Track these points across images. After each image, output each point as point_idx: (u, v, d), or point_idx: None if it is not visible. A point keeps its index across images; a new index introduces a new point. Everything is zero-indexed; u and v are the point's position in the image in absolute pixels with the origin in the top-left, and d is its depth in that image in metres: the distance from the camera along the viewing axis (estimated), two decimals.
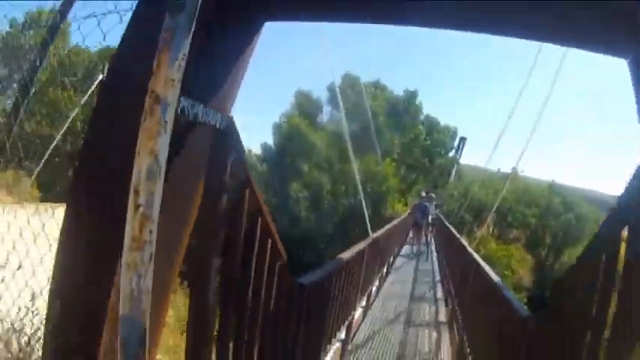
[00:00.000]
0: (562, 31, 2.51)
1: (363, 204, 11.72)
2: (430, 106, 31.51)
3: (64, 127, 10.26)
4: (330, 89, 27.38)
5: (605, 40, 2.48)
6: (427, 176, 28.24)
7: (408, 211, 19.01)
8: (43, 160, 9.38)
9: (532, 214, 27.98)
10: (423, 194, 18.10)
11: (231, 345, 2.31)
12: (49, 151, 9.37)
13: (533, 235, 28.39)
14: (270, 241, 2.49)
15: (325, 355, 5.12)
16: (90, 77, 22.73)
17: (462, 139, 33.06)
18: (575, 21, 2.37)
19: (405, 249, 16.81)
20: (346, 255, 5.52)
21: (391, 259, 12.88)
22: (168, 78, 1.00)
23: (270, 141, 28.49)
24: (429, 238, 16.95)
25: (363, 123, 21.48)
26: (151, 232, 0.99)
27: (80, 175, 1.87)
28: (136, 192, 0.99)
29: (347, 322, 5.97)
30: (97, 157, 1.72)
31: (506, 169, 27.59)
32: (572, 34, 2.55)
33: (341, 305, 5.33)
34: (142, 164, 0.99)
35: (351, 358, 5.99)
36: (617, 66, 2.42)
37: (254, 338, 2.55)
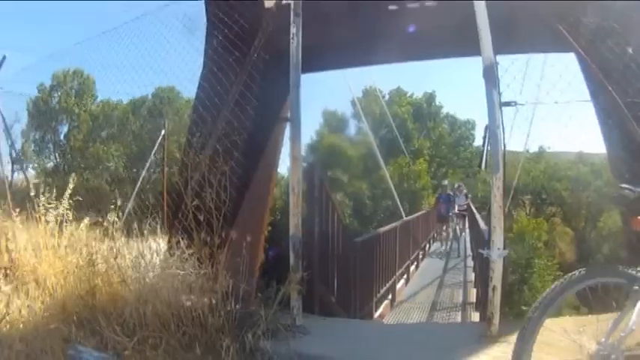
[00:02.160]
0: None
1: (398, 202, 13.82)
2: (449, 104, 32.92)
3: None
4: (354, 104, 29.68)
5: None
6: (456, 169, 29.81)
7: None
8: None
9: (563, 187, 28.81)
10: (445, 182, 17.91)
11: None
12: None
13: (568, 208, 29.10)
14: (336, 214, 4.91)
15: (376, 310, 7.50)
16: (124, 127, 25.11)
17: (488, 127, 34.42)
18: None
19: (435, 246, 17.08)
20: (384, 228, 8.07)
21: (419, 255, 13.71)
22: None
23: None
24: (458, 232, 15.91)
25: (391, 128, 23.61)
26: None
27: None
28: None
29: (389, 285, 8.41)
30: None
31: (534, 148, 28.43)
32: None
33: (383, 269, 7.76)
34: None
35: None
36: None
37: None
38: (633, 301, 2.31)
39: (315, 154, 30.28)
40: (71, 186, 4.46)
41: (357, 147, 28.76)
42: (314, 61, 4.97)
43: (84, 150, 25.57)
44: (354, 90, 20.93)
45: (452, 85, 40.95)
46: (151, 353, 3.09)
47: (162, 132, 8.66)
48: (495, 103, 3.84)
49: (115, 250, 3.84)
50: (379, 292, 7.56)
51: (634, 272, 2.40)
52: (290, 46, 4.20)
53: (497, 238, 3.63)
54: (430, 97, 30.33)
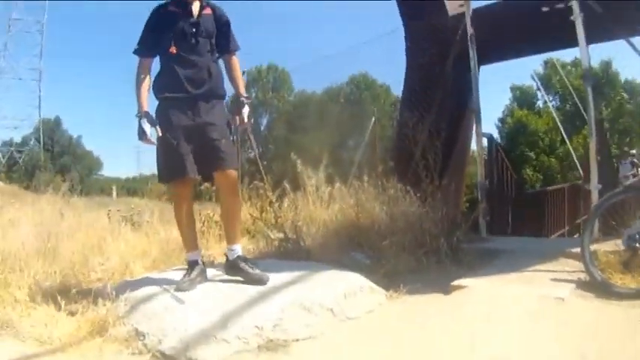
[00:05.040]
0: None
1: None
2: (628, 70, 31.10)
3: None
4: (534, 77, 30.12)
5: None
6: None
7: None
8: None
9: None
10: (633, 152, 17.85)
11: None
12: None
13: None
14: (509, 172, 7.02)
15: None
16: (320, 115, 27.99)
17: None
18: None
19: None
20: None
21: None
22: None
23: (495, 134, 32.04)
24: None
25: (574, 101, 24.02)
26: None
27: None
28: None
29: None
30: None
31: None
32: None
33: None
34: None
35: None
36: None
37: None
38: None
39: (504, 128, 31.45)
40: (325, 162, 6.69)
41: (544, 120, 29.34)
42: (492, 54, 7.20)
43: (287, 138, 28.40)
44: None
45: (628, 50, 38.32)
46: (396, 251, 5.39)
47: (373, 119, 10.96)
48: None
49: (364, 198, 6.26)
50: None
51: None
52: (469, 46, 6.46)
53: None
54: (606, 65, 29.62)
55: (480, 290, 4.22)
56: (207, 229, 6.30)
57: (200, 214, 6.29)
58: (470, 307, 3.91)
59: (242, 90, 4.17)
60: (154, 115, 3.88)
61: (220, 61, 4.14)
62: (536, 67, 29.44)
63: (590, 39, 6.07)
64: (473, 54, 6.73)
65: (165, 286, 3.83)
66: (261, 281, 3.80)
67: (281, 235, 5.57)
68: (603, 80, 28.95)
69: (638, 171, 4.55)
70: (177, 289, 3.68)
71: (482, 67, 7.27)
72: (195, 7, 3.91)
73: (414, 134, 6.78)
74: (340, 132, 20.96)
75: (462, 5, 6.96)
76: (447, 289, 4.28)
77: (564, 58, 27.73)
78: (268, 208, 6.23)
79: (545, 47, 8.56)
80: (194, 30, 3.86)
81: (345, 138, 21.09)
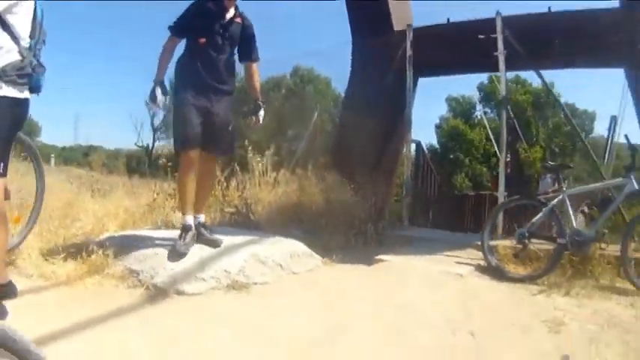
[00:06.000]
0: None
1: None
2: (569, 93, 32.71)
3: None
4: (480, 89, 31.77)
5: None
6: (573, 158, 30.68)
7: None
8: None
9: None
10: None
11: None
12: None
13: None
14: (433, 175, 8.06)
15: None
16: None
17: (613, 118, 33.78)
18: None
19: None
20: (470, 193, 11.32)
21: None
22: None
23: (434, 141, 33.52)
24: None
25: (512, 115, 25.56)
26: None
27: None
28: None
29: None
30: None
31: None
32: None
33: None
34: None
35: None
36: None
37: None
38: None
39: (438, 135, 32.94)
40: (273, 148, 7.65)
41: (479, 131, 30.93)
42: (428, 70, 8.27)
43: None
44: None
45: (571, 74, 40.62)
46: (330, 230, 6.28)
47: (316, 114, 11.70)
48: None
49: (306, 184, 7.18)
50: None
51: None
52: (407, 66, 7.50)
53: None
54: (548, 88, 31.36)
55: (396, 264, 5.24)
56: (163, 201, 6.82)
57: (155, 186, 7.01)
58: (386, 274, 4.93)
59: (259, 95, 4.81)
60: (168, 86, 4.51)
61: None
62: (484, 79, 30.83)
63: (509, 68, 7.16)
64: (409, 73, 7.74)
65: (148, 237, 4.69)
66: (216, 244, 4.52)
67: (233, 209, 6.39)
68: (543, 100, 30.60)
69: (556, 186, 5.37)
70: (175, 251, 4.26)
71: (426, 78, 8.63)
72: (230, 13, 4.48)
73: (353, 134, 7.78)
74: (281, 122, 21.63)
75: (407, 25, 7.92)
76: (369, 262, 5.27)
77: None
78: (217, 186, 6.80)
79: (473, 70, 9.78)
80: (222, 31, 4.44)
81: (285, 128, 21.79)
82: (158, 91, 4.36)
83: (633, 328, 3.64)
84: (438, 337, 3.43)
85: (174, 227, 5.39)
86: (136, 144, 39.54)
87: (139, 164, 28.92)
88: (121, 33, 65.88)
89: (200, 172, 4.48)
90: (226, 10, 4.47)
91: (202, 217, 4.71)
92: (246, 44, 4.66)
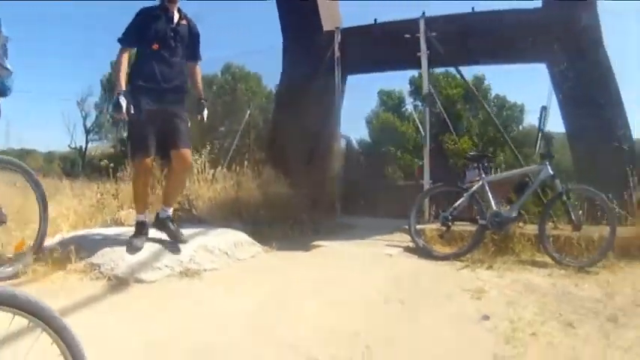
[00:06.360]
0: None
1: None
2: (500, 86, 33.78)
3: None
4: (412, 82, 32.71)
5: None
6: (505, 148, 31.84)
7: None
8: None
9: None
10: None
11: None
12: None
13: None
14: (362, 167, 8.75)
15: None
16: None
17: (544, 108, 34.73)
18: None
19: None
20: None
21: None
22: None
23: (366, 135, 34.28)
24: None
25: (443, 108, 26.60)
26: None
27: None
28: None
29: None
30: None
31: None
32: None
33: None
34: None
35: None
36: None
37: None
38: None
39: (369, 129, 33.82)
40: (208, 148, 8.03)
41: (408, 124, 31.94)
42: (357, 68, 8.87)
43: None
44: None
45: (500, 69, 42.11)
46: (268, 222, 6.74)
47: (248, 112, 12.01)
48: None
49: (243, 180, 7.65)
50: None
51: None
52: (335, 66, 8.12)
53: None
54: (479, 80, 32.65)
55: (331, 248, 5.86)
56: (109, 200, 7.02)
57: (98, 187, 7.26)
58: (323, 258, 5.55)
59: (202, 93, 5.10)
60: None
61: None
62: (415, 73, 31.64)
63: (432, 65, 7.85)
64: (337, 72, 8.39)
65: (102, 234, 5.07)
66: (180, 238, 4.84)
67: (176, 205, 6.76)
68: (472, 94, 31.58)
69: (481, 175, 5.83)
70: (132, 246, 4.61)
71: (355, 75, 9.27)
72: (176, 16, 4.73)
73: (286, 131, 8.37)
74: (213, 119, 21.81)
75: (336, 27, 8.53)
76: (307, 248, 5.86)
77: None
78: (157, 185, 6.98)
79: (400, 67, 10.61)
80: (173, 34, 4.70)
81: (217, 125, 22.04)
82: (123, 100, 4.47)
83: (550, 292, 4.26)
84: (372, 306, 3.98)
85: (123, 225, 5.79)
86: (69, 146, 38.54)
87: (73, 166, 28.34)
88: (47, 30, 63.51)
89: (175, 168, 4.80)
90: (172, 14, 4.73)
91: (170, 211, 5.02)
92: (191, 44, 4.91)
